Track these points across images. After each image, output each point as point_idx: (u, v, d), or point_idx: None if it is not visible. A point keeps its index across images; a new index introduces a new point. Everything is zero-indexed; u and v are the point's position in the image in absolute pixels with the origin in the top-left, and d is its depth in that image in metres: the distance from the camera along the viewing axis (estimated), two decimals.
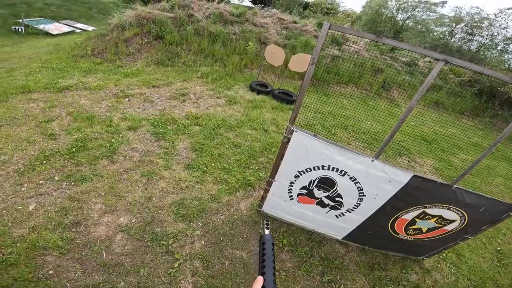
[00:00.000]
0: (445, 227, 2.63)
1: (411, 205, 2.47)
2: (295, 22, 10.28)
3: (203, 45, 7.35)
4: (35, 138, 3.47)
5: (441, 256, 3.55)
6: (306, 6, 28.90)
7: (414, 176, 2.19)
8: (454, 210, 2.42)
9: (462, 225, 2.58)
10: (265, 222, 1.03)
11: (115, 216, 2.75)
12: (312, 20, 11.93)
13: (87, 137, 3.65)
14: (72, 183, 2.97)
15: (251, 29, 8.69)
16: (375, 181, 2.31)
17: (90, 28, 12.37)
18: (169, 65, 6.70)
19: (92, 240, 2.48)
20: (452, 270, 3.42)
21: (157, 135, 3.98)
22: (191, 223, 2.90)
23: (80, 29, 12.61)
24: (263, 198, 2.97)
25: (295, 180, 2.60)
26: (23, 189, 2.82)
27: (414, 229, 2.76)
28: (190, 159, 3.72)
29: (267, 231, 0.99)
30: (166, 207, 3.00)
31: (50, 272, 2.20)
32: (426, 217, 2.56)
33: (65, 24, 12.57)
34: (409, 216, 2.59)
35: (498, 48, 18.57)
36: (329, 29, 1.80)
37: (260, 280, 0.85)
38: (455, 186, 2.23)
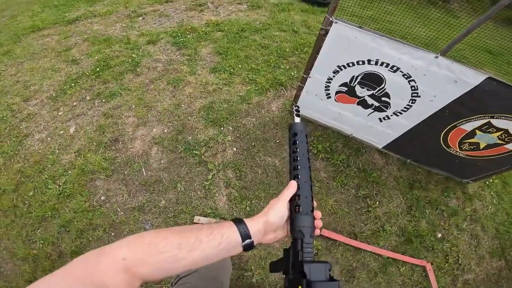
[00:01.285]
0: (507, 145, 2.21)
1: (475, 113, 2.05)
2: None
3: None
4: (59, 66, 3.46)
5: (487, 182, 3.24)
6: None
7: (489, 78, 1.74)
8: None
9: None
10: (295, 108, 0.77)
11: (148, 128, 2.76)
12: None
13: (108, 56, 3.56)
14: (103, 100, 2.99)
15: None
16: (436, 80, 1.90)
17: None
18: None
19: (131, 157, 2.53)
20: (494, 201, 3.14)
21: (177, 45, 3.75)
22: (222, 128, 2.83)
23: None
24: (296, 97, 2.72)
25: (333, 76, 2.26)
26: (60, 113, 2.89)
27: (470, 143, 2.37)
28: (215, 62, 3.54)
29: (297, 119, 0.75)
30: (195, 113, 2.94)
31: (102, 198, 2.31)
32: (490, 129, 2.13)
33: None
34: (469, 126, 2.18)
35: None
36: None
37: (293, 186, 0.64)
38: None
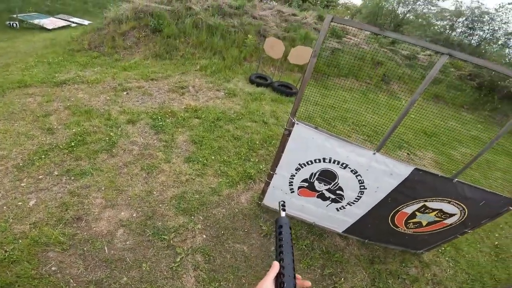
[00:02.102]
0: (445, 221, 2.63)
1: (412, 199, 2.46)
2: (294, 15, 10.15)
3: (201, 38, 7.25)
4: (33, 133, 3.44)
5: (439, 250, 3.58)
6: None
7: (416, 169, 2.19)
8: (455, 204, 2.42)
9: (462, 219, 2.57)
10: (281, 204, 0.94)
11: (116, 211, 2.73)
12: (312, 12, 11.76)
13: (86, 131, 3.61)
14: (72, 178, 2.95)
15: (250, 21, 8.57)
16: (376, 174, 2.30)
17: (86, 22, 12.16)
18: (167, 58, 6.62)
19: (94, 236, 2.47)
20: (451, 264, 3.44)
21: (156, 128, 3.95)
22: (192, 217, 2.89)
23: (76, 23, 12.38)
24: (263, 191, 2.96)
25: (296, 173, 2.58)
26: (22, 184, 2.80)
27: (414, 223, 2.76)
28: (190, 152, 3.70)
29: (283, 213, 0.91)
30: (167, 201, 2.98)
31: (53, 268, 2.20)
32: (427, 210, 2.55)
33: (61, 19, 12.34)
34: (409, 209, 2.58)
35: (499, 42, 18.47)
36: (332, 21, 1.76)
37: (276, 266, 0.79)
38: (456, 179, 2.23)
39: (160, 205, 2.91)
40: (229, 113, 4.76)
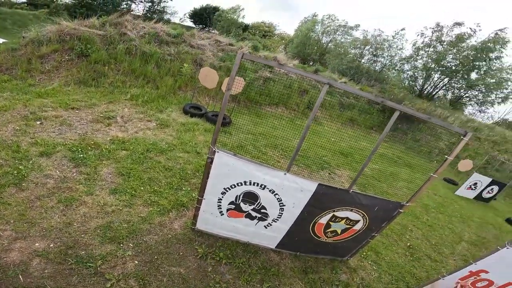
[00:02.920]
0: (354, 227, 3.14)
1: (323, 210, 2.91)
2: (231, 44, 10.85)
3: (134, 65, 7.13)
4: None
5: (362, 255, 4.05)
6: (245, 28, 30.85)
7: (319, 184, 2.64)
8: (356, 211, 2.94)
9: (366, 224, 3.11)
10: None
11: (29, 242, 2.52)
12: (248, 42, 12.83)
13: None
14: None
15: (188, 50, 8.83)
16: (290, 191, 2.68)
17: (0, 41, 10.54)
18: (93, 85, 6.24)
19: (5, 265, 2.29)
20: (374, 267, 3.92)
21: (76, 161, 3.67)
22: (121, 245, 2.78)
23: None
24: (195, 216, 3.07)
25: (222, 197, 2.80)
26: None
27: (331, 232, 3.21)
28: (116, 183, 3.55)
29: None
30: (90, 231, 2.81)
31: None
32: (337, 220, 3.03)
33: None
34: (324, 220, 3.03)
35: (396, 68, 22.55)
36: (242, 58, 2.10)
37: None
38: (351, 190, 2.74)
39: (83, 235, 2.73)
40: (161, 144, 4.73)
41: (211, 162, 2.53)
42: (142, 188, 3.62)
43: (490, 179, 9.89)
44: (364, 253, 4.12)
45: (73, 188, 3.26)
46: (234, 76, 2.20)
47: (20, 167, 3.30)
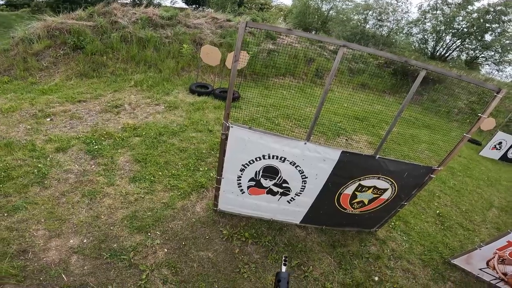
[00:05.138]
0: (382, 196, 2.97)
1: (348, 179, 2.74)
2: (229, 20, 10.32)
3: (132, 52, 6.90)
4: None
5: (390, 225, 3.89)
6: (240, 3, 29.21)
7: (343, 152, 2.47)
8: (384, 179, 2.75)
9: (394, 192, 2.93)
10: (284, 259, 1.04)
11: (64, 239, 2.57)
12: (245, 17, 12.17)
13: (9, 165, 3.24)
14: (5, 214, 2.70)
15: (185, 31, 8.46)
16: (312, 162, 2.53)
17: None
18: (95, 76, 6.11)
19: (46, 265, 2.35)
20: (404, 238, 3.78)
21: (92, 153, 3.66)
22: (149, 234, 2.81)
23: None
24: (216, 197, 3.02)
25: (241, 174, 2.70)
26: None
27: (357, 202, 3.06)
28: (135, 171, 3.54)
29: (284, 268, 1.02)
30: (117, 223, 2.85)
31: None
32: (363, 189, 2.86)
33: None
34: (349, 190, 2.88)
35: (404, 31, 21.45)
36: (246, 26, 1.90)
37: None
38: (377, 156, 2.54)
39: (112, 228, 2.77)
40: (172, 126, 4.66)
41: (226, 139, 2.41)
42: (160, 173, 3.60)
43: None
44: (392, 223, 3.97)
45: (94, 180, 3.28)
46: (240, 47, 1.98)
47: (39, 165, 3.32)
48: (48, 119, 4.29)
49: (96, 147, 3.77)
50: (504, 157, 9.72)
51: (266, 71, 8.69)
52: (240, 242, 2.98)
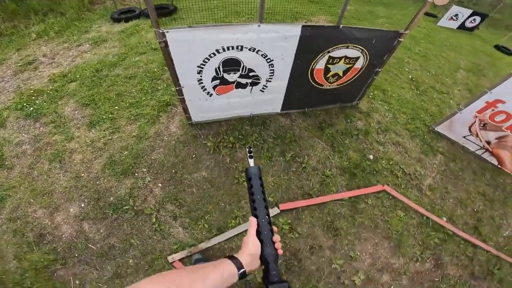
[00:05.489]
0: (355, 66, 2.91)
1: (316, 53, 2.62)
2: None
3: (11, 7, 5.20)
4: None
5: (370, 96, 3.92)
6: None
7: (303, 26, 2.27)
8: (353, 47, 2.65)
9: (367, 60, 2.87)
10: (248, 150, 0.87)
11: (64, 211, 2.48)
12: None
13: None
14: None
15: None
16: (273, 43, 2.34)
17: None
18: None
19: (69, 241, 2.33)
20: (386, 107, 3.83)
21: (31, 116, 3.16)
22: (136, 174, 2.72)
23: None
24: (185, 110, 2.84)
25: (201, 76, 2.47)
26: None
27: (332, 76, 2.98)
28: (88, 116, 3.17)
29: (251, 162, 0.86)
30: (100, 175, 2.71)
31: (77, 282, 2.15)
32: (335, 61, 2.77)
33: None
34: (321, 65, 2.78)
35: None
36: None
37: (253, 221, 0.82)
38: (341, 26, 2.40)
39: (98, 182, 2.65)
40: (108, 59, 4.03)
41: (166, 46, 2.09)
42: (116, 107, 3.27)
43: (470, 11, 9.73)
44: (371, 94, 4.00)
45: (51, 142, 2.93)
46: None
47: None
48: None
49: (32, 108, 3.23)
50: (462, 27, 10.22)
51: None
52: (228, 149, 2.92)
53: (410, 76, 4.93)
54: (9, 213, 2.46)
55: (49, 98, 3.36)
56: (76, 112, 3.22)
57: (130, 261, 2.24)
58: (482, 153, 3.58)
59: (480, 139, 3.45)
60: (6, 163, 2.77)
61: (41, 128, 3.06)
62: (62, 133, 3.00)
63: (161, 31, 1.97)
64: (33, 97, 3.37)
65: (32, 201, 2.52)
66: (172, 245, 2.33)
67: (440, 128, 3.76)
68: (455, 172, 3.42)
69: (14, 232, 2.36)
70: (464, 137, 3.58)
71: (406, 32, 2.70)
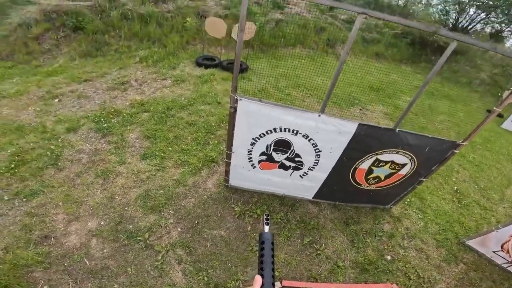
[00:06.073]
0: (400, 172, 2.82)
1: (364, 153, 2.60)
2: None
3: (134, 28, 6.64)
4: None
5: (406, 202, 3.75)
6: None
7: (360, 124, 2.30)
8: (403, 154, 2.59)
9: (414, 167, 2.77)
10: (265, 217, 0.96)
11: (82, 222, 2.63)
12: None
13: (23, 149, 3.26)
14: (24, 200, 2.75)
15: (187, 4, 8.04)
16: (327, 135, 2.39)
17: None
18: (99, 55, 5.96)
19: (69, 250, 2.44)
20: (419, 216, 3.65)
21: (102, 131, 3.64)
22: (162, 213, 2.83)
23: None
24: (227, 172, 2.97)
25: (252, 148, 2.61)
26: None
27: (373, 178, 2.92)
28: (145, 148, 3.51)
29: (266, 228, 0.95)
30: (131, 203, 2.88)
31: (46, 286, 2.15)
32: (380, 164, 2.71)
33: None
34: (365, 165, 2.74)
35: (423, 2, 19.75)
36: None
37: (258, 279, 0.86)
38: (398, 129, 2.37)
39: (126, 208, 2.81)
40: (180, 100, 4.56)
41: (235, 112, 2.28)
42: (170, 148, 3.57)
43: None
44: (408, 200, 3.82)
45: (105, 159, 3.28)
46: (245, 14, 1.78)
47: (52, 147, 3.33)
48: (56, 100, 4.26)
49: (106, 125, 3.75)
50: None
51: (275, 42, 8.25)
52: (252, 219, 2.96)
53: (455, 187, 4.54)
54: (32, 208, 2.67)
55: (123, 120, 3.88)
56: (137, 140, 3.62)
57: (115, 286, 2.22)
58: (508, 266, 3.31)
59: (510, 255, 3.24)
60: (59, 163, 3.14)
61: (104, 145, 3.48)
62: (118, 155, 3.35)
63: (236, 97, 2.17)
64: (111, 116, 3.94)
65: (60, 204, 2.74)
66: (165, 285, 2.29)
67: (471, 243, 3.50)
68: (473, 281, 3.07)
69: (24, 226, 2.52)
70: (494, 252, 3.33)
71: (464, 143, 2.53)
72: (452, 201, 4.21)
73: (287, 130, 2.38)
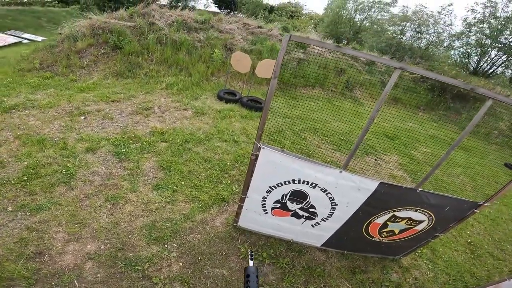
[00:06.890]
0: (416, 227, 2.75)
1: (381, 210, 2.55)
2: (260, 27, 10.34)
3: (166, 54, 7.07)
4: None
5: (417, 253, 3.64)
6: (271, 10, 29.37)
7: (381, 183, 2.27)
8: (422, 212, 2.53)
9: (430, 224, 2.70)
10: (249, 253, 1.04)
11: (81, 244, 2.57)
12: (277, 24, 12.12)
13: (39, 163, 3.33)
14: (28, 213, 2.74)
15: (217, 35, 8.56)
16: (345, 190, 2.36)
17: (39, 39, 11.30)
18: (130, 77, 6.32)
19: (60, 270, 2.34)
20: (430, 266, 3.53)
21: (119, 156, 3.71)
22: (166, 245, 2.76)
23: (28, 39, 11.43)
24: (237, 214, 2.91)
25: (267, 195, 2.57)
26: None
27: (387, 232, 2.85)
28: (158, 178, 3.52)
29: (251, 263, 1.01)
30: (136, 231, 2.82)
31: None
32: (397, 220, 2.66)
33: (11, 35, 11.33)
34: (380, 220, 2.67)
35: (445, 44, 20.40)
36: (290, 40, 1.77)
37: None
38: (419, 189, 2.33)
39: (130, 236, 2.75)
40: (198, 133, 4.64)
41: (256, 159, 2.27)
42: (183, 182, 3.56)
43: None
44: (419, 251, 3.67)
45: (118, 185, 3.30)
46: (281, 61, 1.85)
47: (68, 164, 3.40)
48: (83, 117, 4.44)
49: (124, 150, 3.82)
50: None
51: (295, 81, 8.52)
52: (257, 261, 2.86)
53: (469, 240, 4.35)
54: (33, 223, 2.64)
55: (141, 148, 3.96)
56: (152, 170, 3.65)
57: None
58: None
59: None
60: (72, 182, 3.17)
61: (119, 170, 3.52)
62: (130, 183, 3.36)
63: (259, 145, 2.18)
64: (131, 141, 4.04)
65: (63, 223, 2.71)
66: None
67: None
68: None
69: (20, 239, 2.48)
70: None
71: (485, 204, 2.43)
72: (465, 252, 4.07)
73: (305, 182, 2.34)
